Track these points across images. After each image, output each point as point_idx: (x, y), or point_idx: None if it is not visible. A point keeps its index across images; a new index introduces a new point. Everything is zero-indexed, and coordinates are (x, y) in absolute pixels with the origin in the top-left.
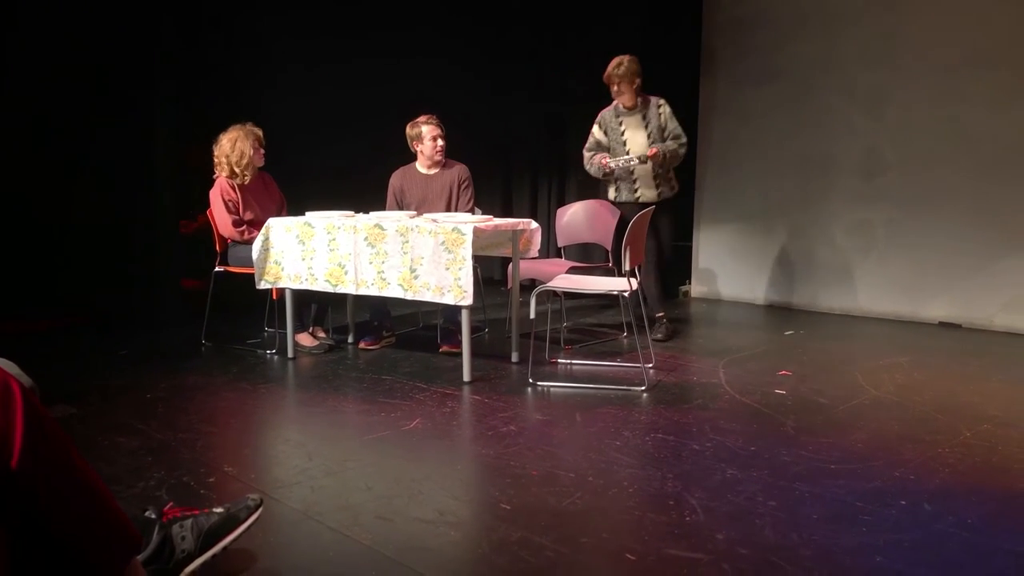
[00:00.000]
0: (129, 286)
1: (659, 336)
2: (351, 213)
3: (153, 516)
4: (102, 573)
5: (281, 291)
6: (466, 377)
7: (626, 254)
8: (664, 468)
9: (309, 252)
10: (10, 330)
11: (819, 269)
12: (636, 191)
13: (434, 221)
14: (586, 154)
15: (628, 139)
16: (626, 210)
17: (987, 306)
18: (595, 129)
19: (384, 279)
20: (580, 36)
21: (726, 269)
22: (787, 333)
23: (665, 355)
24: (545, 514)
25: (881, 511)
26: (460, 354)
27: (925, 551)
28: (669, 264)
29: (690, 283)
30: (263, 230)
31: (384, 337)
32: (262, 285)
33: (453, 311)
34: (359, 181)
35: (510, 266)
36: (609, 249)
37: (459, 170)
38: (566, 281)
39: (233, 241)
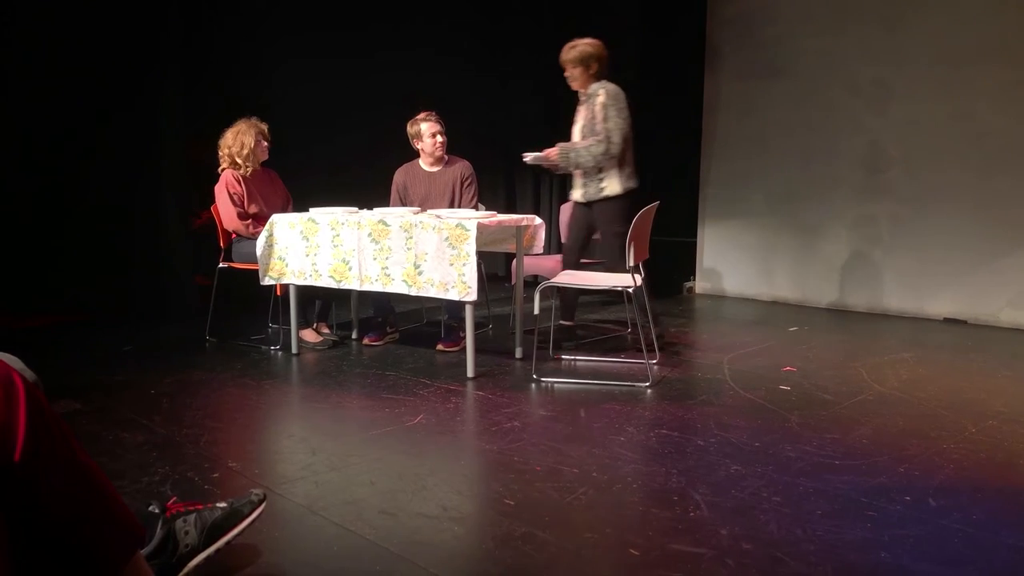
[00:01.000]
0: (133, 281)
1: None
2: (355, 209)
3: (157, 511)
4: (105, 567)
5: (285, 287)
6: (470, 373)
7: (630, 250)
8: (668, 464)
9: (313, 248)
10: (14, 325)
11: (823, 265)
12: (575, 188)
13: (438, 217)
14: None
15: (575, 129)
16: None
17: (993, 302)
18: None
19: (388, 275)
20: (583, 29)
21: (730, 265)
22: (791, 329)
23: (669, 351)
24: (549, 509)
25: (886, 507)
26: (455, 353)
27: (930, 547)
28: (672, 259)
29: (694, 279)
30: (267, 226)
31: (388, 333)
32: (266, 281)
33: (456, 307)
34: (361, 175)
35: (514, 262)
36: None
37: (462, 167)
38: (570, 277)
39: (238, 236)
